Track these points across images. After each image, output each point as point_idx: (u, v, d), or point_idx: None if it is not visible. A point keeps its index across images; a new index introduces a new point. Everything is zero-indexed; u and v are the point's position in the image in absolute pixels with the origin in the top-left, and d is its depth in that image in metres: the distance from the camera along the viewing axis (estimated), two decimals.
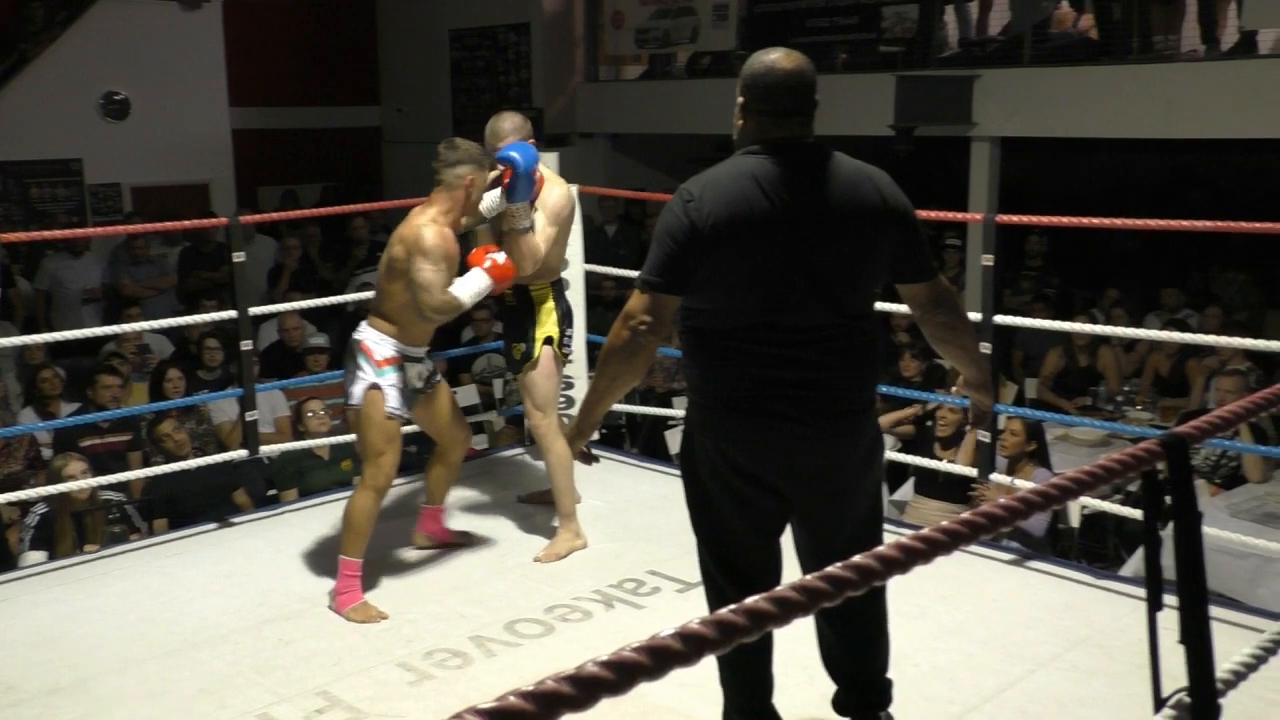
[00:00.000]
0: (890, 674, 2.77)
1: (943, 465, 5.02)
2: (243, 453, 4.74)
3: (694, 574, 3.52)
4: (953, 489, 5.54)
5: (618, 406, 5.00)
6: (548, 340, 4.21)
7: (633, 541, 4.27)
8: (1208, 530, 3.03)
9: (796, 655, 2.85)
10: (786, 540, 2.71)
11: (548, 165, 4.33)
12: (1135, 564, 5.04)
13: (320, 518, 4.50)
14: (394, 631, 3.59)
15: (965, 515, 1.33)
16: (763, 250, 2.46)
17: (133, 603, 3.86)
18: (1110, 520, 5.46)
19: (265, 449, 4.86)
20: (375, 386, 3.73)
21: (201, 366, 6.99)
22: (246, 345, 4.63)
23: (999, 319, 4.28)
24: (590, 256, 5.57)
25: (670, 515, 4.33)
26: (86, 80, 10.01)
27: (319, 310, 6.15)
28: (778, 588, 1.16)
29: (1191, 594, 1.61)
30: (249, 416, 4.65)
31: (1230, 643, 1.83)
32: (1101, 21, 8.00)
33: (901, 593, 2.72)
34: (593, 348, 4.91)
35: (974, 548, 3.93)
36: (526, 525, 4.47)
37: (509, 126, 4.09)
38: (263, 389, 5.09)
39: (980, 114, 8.05)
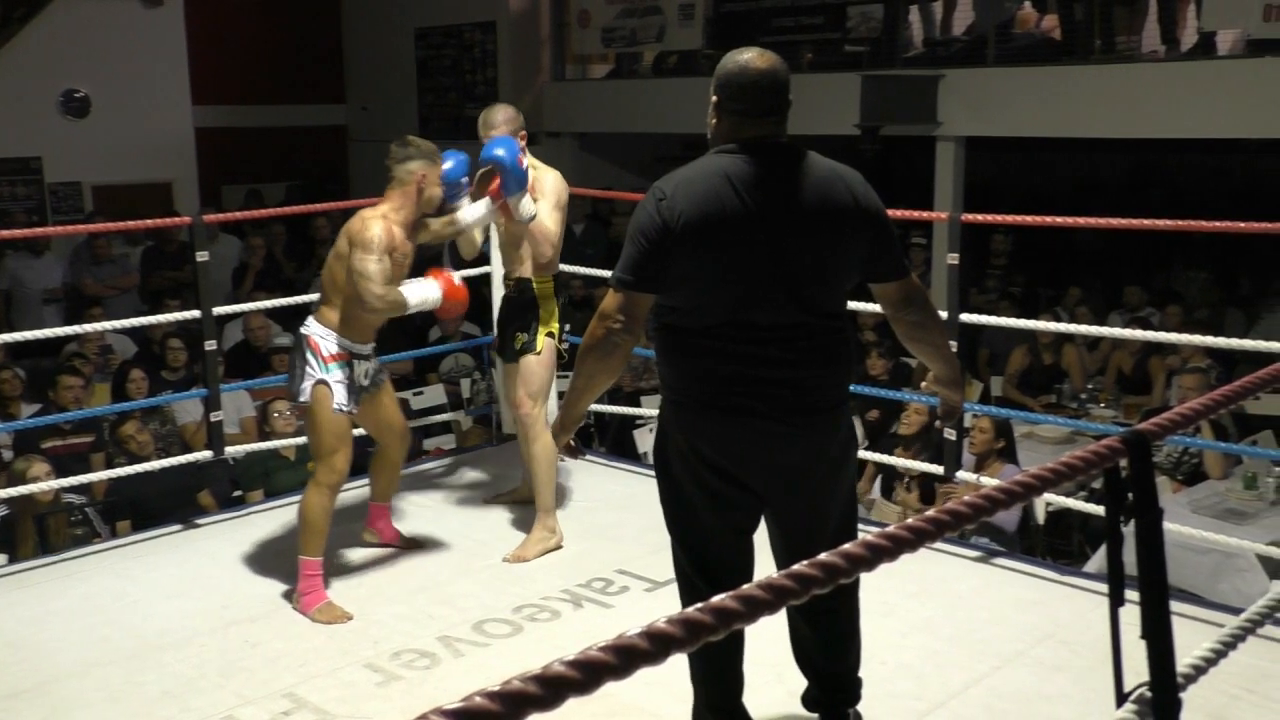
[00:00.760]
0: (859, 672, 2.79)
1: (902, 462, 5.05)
2: (207, 454, 4.69)
3: (662, 573, 3.53)
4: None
5: None
6: (550, 334, 4.21)
7: (601, 541, 4.26)
8: (1169, 526, 3.07)
9: (765, 654, 2.86)
10: (761, 538, 2.72)
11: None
12: (1099, 560, 5.08)
13: (286, 519, 4.47)
14: (361, 632, 3.57)
15: (930, 512, 1.34)
16: (735, 249, 2.47)
17: (95, 605, 3.81)
18: (1075, 517, 5.50)
19: (230, 450, 4.83)
20: (323, 383, 3.71)
21: (165, 367, 6.93)
22: (211, 345, 4.59)
23: (965, 317, 4.30)
24: None
25: (639, 514, 4.35)
26: (46, 77, 9.89)
27: (284, 310, 6.09)
28: (744, 586, 1.16)
29: (1153, 590, 1.62)
30: (214, 417, 4.61)
31: (1191, 637, 1.85)
32: (1064, 22, 8.07)
33: (869, 590, 2.73)
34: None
35: (941, 545, 3.96)
36: (494, 525, 4.46)
37: (500, 118, 4.09)
38: (227, 389, 5.05)
39: (945, 113, 8.11)
